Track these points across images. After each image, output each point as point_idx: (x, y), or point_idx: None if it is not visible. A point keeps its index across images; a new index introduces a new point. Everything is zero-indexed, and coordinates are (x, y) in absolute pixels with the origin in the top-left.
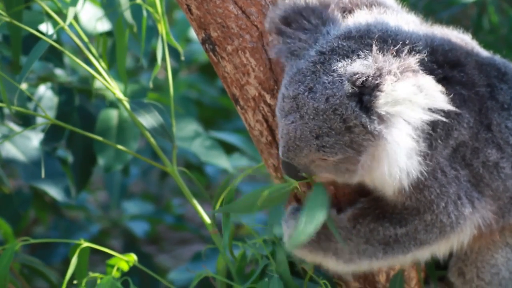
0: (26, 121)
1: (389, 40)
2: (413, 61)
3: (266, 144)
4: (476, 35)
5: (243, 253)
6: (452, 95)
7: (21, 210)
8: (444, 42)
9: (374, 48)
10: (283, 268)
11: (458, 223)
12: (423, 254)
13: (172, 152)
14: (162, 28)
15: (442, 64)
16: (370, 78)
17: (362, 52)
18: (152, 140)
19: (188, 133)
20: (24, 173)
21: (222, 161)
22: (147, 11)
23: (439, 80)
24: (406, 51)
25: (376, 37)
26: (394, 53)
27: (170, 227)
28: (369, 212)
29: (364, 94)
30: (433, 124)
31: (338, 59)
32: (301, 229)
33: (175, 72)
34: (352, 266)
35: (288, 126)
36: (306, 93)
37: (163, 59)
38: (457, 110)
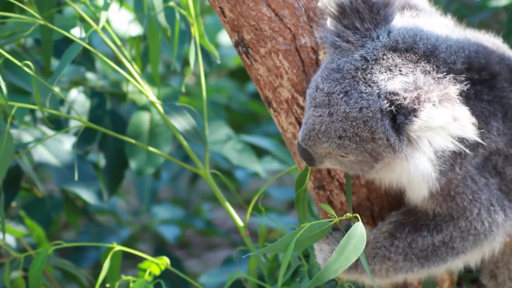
0: (58, 125)
1: (431, 59)
2: (453, 89)
3: None
4: (507, 39)
5: (275, 255)
6: (481, 109)
7: (53, 214)
8: (479, 54)
9: (418, 70)
10: (315, 270)
11: (491, 231)
12: (458, 263)
13: (205, 154)
14: (195, 30)
15: (475, 81)
16: (409, 101)
17: (405, 68)
18: (184, 142)
19: (220, 136)
20: (56, 177)
21: (254, 164)
22: (180, 14)
23: (471, 97)
24: (447, 76)
25: (421, 53)
26: (436, 77)
27: (198, 232)
28: (405, 224)
29: (399, 114)
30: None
31: (380, 70)
32: (337, 265)
33: (205, 76)
34: (387, 281)
35: (315, 118)
36: (341, 95)
37: (196, 62)
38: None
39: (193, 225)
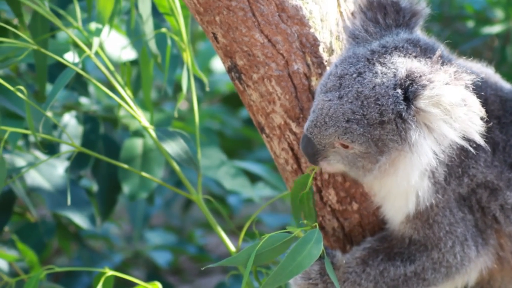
0: (51, 149)
1: (451, 62)
2: (468, 77)
3: (292, 172)
4: (499, 67)
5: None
6: None
7: (46, 238)
8: (480, 90)
9: (437, 53)
10: None
11: (463, 264)
12: None
13: (197, 179)
14: (187, 56)
15: None
16: (423, 77)
17: (424, 60)
18: (177, 168)
19: (213, 161)
20: (49, 201)
21: (247, 189)
22: (172, 40)
23: None
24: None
25: (439, 54)
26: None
27: (191, 258)
28: (379, 252)
29: (412, 86)
30: (451, 159)
31: (399, 55)
32: (289, 269)
33: (198, 102)
34: None
35: (324, 102)
36: (354, 75)
37: (188, 88)
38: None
39: (186, 251)
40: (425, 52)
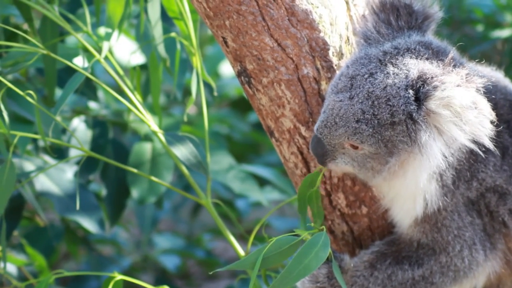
0: (60, 153)
1: (462, 65)
2: (479, 80)
3: (301, 176)
4: (509, 71)
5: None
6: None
7: (54, 243)
8: (489, 94)
9: (450, 55)
10: None
11: (471, 268)
12: None
13: (207, 184)
14: (196, 61)
15: None
16: (435, 78)
17: (436, 62)
18: (186, 172)
19: (222, 165)
20: (58, 206)
21: (256, 193)
22: (181, 44)
23: None
24: (475, 75)
25: (451, 57)
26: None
27: (199, 262)
28: (387, 256)
29: (423, 87)
30: (460, 162)
31: (411, 57)
32: (296, 272)
33: (207, 106)
34: None
35: (334, 103)
36: (366, 76)
37: (197, 92)
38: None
39: (194, 255)
40: (437, 54)
